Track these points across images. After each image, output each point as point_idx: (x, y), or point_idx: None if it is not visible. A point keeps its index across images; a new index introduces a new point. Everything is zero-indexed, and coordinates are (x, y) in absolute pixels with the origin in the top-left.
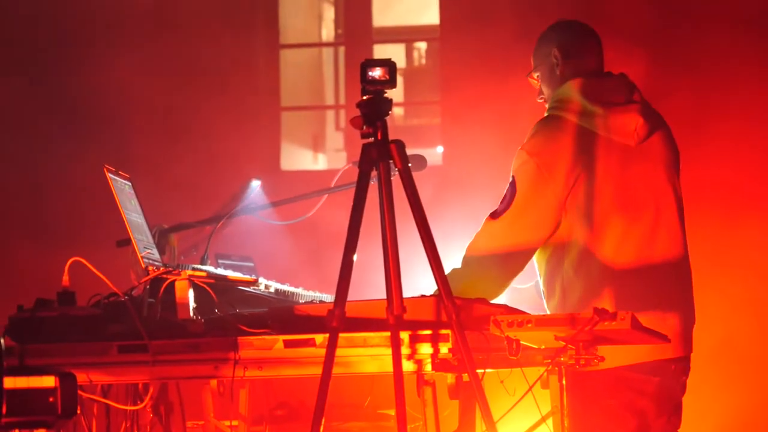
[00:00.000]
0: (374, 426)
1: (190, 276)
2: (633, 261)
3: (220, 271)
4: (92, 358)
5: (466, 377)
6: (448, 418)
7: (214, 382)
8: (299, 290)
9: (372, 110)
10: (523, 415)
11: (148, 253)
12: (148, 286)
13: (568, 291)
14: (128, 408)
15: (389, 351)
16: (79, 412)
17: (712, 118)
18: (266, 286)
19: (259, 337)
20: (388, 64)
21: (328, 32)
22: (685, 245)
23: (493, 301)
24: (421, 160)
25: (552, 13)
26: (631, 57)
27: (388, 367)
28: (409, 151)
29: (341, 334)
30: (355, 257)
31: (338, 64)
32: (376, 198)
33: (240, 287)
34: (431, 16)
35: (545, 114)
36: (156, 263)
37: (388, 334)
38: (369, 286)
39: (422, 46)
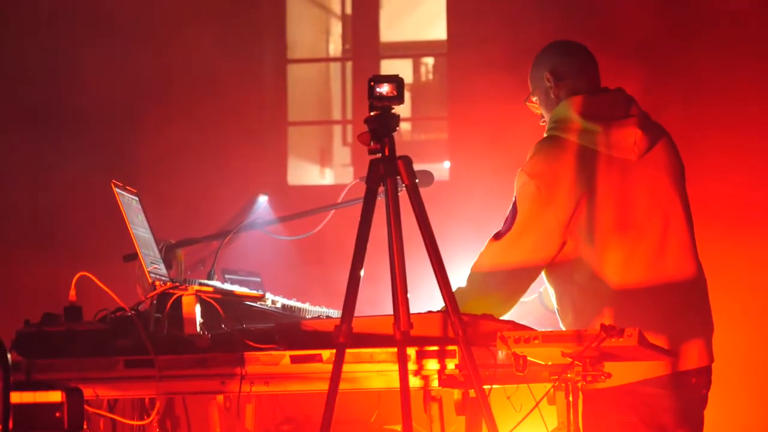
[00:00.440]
0: None
1: (197, 291)
2: (643, 276)
3: (227, 287)
4: (99, 373)
5: (472, 393)
6: None
7: (220, 398)
8: (306, 305)
9: (379, 126)
10: (529, 431)
11: (155, 268)
12: (155, 301)
13: (581, 310)
14: (135, 423)
15: (396, 367)
16: (85, 427)
17: (710, 131)
18: (273, 302)
19: (266, 352)
20: (396, 80)
21: (335, 47)
22: (695, 254)
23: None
24: (428, 176)
25: (555, 29)
26: (628, 70)
27: (395, 382)
28: (416, 166)
29: (348, 350)
30: (362, 273)
31: (345, 79)
32: (383, 214)
33: (247, 302)
34: (438, 31)
35: (544, 134)
36: (163, 278)
37: (395, 349)
38: (376, 301)
39: (429, 61)
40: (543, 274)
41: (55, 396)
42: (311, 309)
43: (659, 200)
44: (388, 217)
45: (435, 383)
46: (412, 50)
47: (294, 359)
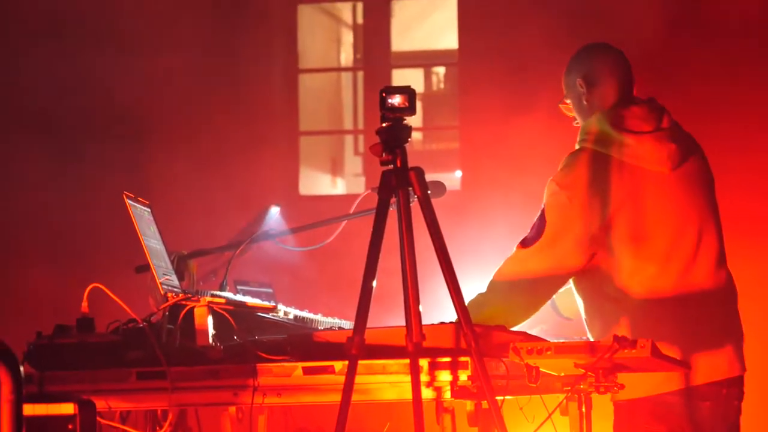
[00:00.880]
0: None
1: (209, 302)
2: (674, 287)
3: (239, 298)
4: (111, 385)
5: (485, 404)
6: None
7: (233, 409)
8: (318, 317)
9: (391, 137)
10: None
11: (167, 279)
12: (167, 313)
13: (610, 321)
14: None
15: (408, 378)
16: None
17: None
18: (285, 313)
19: (278, 363)
20: (408, 92)
21: (346, 57)
22: (725, 265)
23: (512, 329)
24: (440, 187)
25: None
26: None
27: (408, 394)
28: (428, 176)
29: (360, 361)
30: (374, 284)
31: (357, 89)
32: (395, 224)
33: (259, 314)
34: (450, 40)
35: (575, 146)
36: (175, 289)
37: (408, 361)
38: (388, 313)
39: (441, 70)
40: (572, 284)
41: (68, 408)
42: (323, 320)
43: (692, 213)
44: (400, 228)
45: (447, 394)
46: (424, 60)
47: (306, 371)
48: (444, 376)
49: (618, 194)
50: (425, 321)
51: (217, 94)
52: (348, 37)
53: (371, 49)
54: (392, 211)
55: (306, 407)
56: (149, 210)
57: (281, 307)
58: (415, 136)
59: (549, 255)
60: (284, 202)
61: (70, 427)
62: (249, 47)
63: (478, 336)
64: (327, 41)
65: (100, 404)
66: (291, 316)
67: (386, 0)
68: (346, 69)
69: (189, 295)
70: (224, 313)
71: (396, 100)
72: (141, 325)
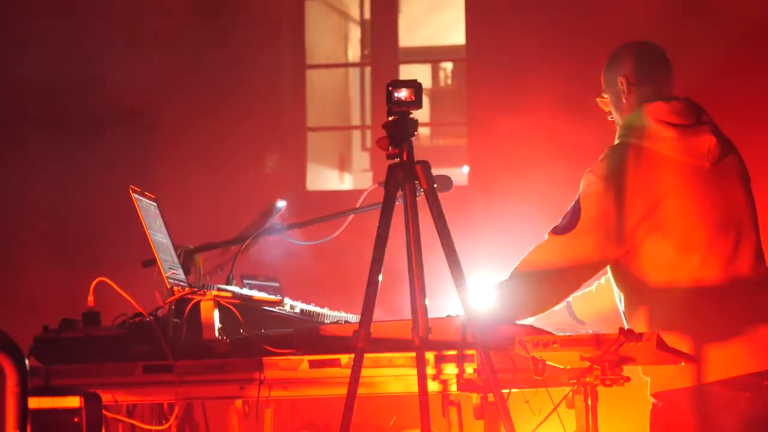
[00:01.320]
0: None
1: (216, 296)
2: (717, 279)
3: (246, 292)
4: (117, 379)
5: (491, 397)
6: None
7: (239, 403)
8: (325, 310)
9: (398, 131)
10: None
11: (174, 273)
12: (173, 307)
13: (654, 313)
14: (153, 428)
15: (414, 371)
16: None
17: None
18: (291, 307)
19: (285, 357)
20: (414, 85)
21: (354, 52)
22: (764, 262)
23: (519, 322)
24: (446, 181)
25: (572, 34)
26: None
27: (414, 387)
28: (435, 172)
29: (366, 355)
30: (380, 277)
31: (364, 85)
32: (401, 218)
33: (265, 308)
34: (457, 36)
35: (615, 141)
36: (181, 283)
37: (414, 354)
38: (394, 306)
39: (448, 66)
40: (611, 277)
41: (74, 401)
42: (330, 314)
43: (732, 207)
44: (406, 222)
45: (454, 387)
46: (431, 55)
47: (312, 364)
48: (450, 369)
49: (657, 187)
50: (431, 314)
51: (225, 89)
52: (355, 33)
53: (379, 44)
54: (399, 205)
55: (312, 401)
56: (155, 204)
57: (287, 301)
58: (423, 131)
59: (585, 242)
60: (291, 197)
61: (75, 420)
62: (257, 43)
63: (484, 329)
64: (334, 37)
65: (106, 397)
66: (297, 310)
67: None
68: (353, 65)
69: (195, 289)
70: (230, 306)
71: (403, 93)
72: (147, 319)
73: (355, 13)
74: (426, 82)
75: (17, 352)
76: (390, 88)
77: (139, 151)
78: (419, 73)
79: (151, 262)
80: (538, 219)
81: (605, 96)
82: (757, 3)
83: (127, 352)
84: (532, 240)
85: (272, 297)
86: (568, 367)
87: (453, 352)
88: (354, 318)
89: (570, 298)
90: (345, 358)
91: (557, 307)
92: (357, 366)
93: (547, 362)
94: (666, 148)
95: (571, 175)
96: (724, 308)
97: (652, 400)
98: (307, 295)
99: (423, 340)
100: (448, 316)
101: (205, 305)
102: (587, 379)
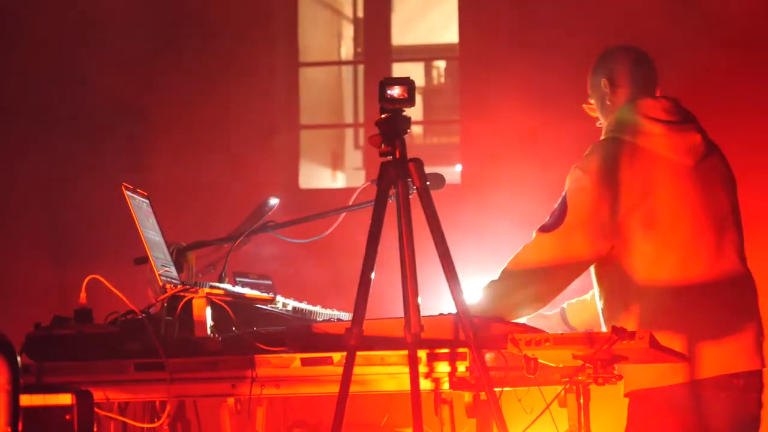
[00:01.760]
0: None
1: (208, 294)
2: (699, 277)
3: (238, 289)
4: (109, 376)
5: (483, 396)
6: None
7: (231, 400)
8: (317, 308)
9: (390, 128)
10: None
11: (166, 270)
12: (165, 304)
13: (634, 311)
14: (145, 426)
15: (407, 369)
16: (95, 429)
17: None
18: (284, 305)
19: (277, 355)
20: (407, 83)
21: (347, 50)
22: (746, 263)
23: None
24: (439, 179)
25: (567, 33)
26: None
27: (406, 385)
28: (428, 170)
29: (359, 353)
30: (373, 275)
31: (357, 83)
32: (394, 216)
33: (258, 305)
34: (450, 34)
35: (602, 137)
36: (173, 281)
37: (406, 352)
38: (387, 304)
39: (441, 64)
40: (593, 274)
41: (65, 399)
42: (322, 312)
43: (713, 207)
44: (399, 220)
45: (446, 386)
46: (424, 54)
47: (305, 362)
48: (442, 368)
49: (644, 182)
50: (424, 312)
51: (218, 87)
52: (349, 31)
53: (372, 42)
54: (391, 203)
55: (304, 398)
56: (148, 201)
57: (280, 299)
58: (416, 130)
59: (573, 239)
60: (284, 195)
61: (67, 417)
62: (250, 40)
63: (477, 327)
64: (327, 35)
65: (98, 395)
66: (290, 308)
67: None
68: (346, 62)
69: (187, 287)
70: (223, 304)
71: (395, 91)
72: (139, 317)
73: (348, 10)
74: (419, 81)
75: (9, 349)
76: (383, 86)
77: (131, 148)
78: (412, 71)
79: (143, 259)
80: (531, 218)
81: (591, 102)
82: (745, 4)
83: (119, 349)
84: (525, 239)
85: (265, 295)
86: (561, 365)
87: (445, 351)
88: (346, 316)
89: (565, 305)
90: (337, 356)
91: (550, 312)
92: (349, 364)
93: (540, 360)
94: (653, 144)
95: (565, 174)
96: (703, 310)
97: (627, 399)
98: (300, 293)
99: (415, 338)
100: (441, 314)
101: (198, 303)
102: (580, 378)
